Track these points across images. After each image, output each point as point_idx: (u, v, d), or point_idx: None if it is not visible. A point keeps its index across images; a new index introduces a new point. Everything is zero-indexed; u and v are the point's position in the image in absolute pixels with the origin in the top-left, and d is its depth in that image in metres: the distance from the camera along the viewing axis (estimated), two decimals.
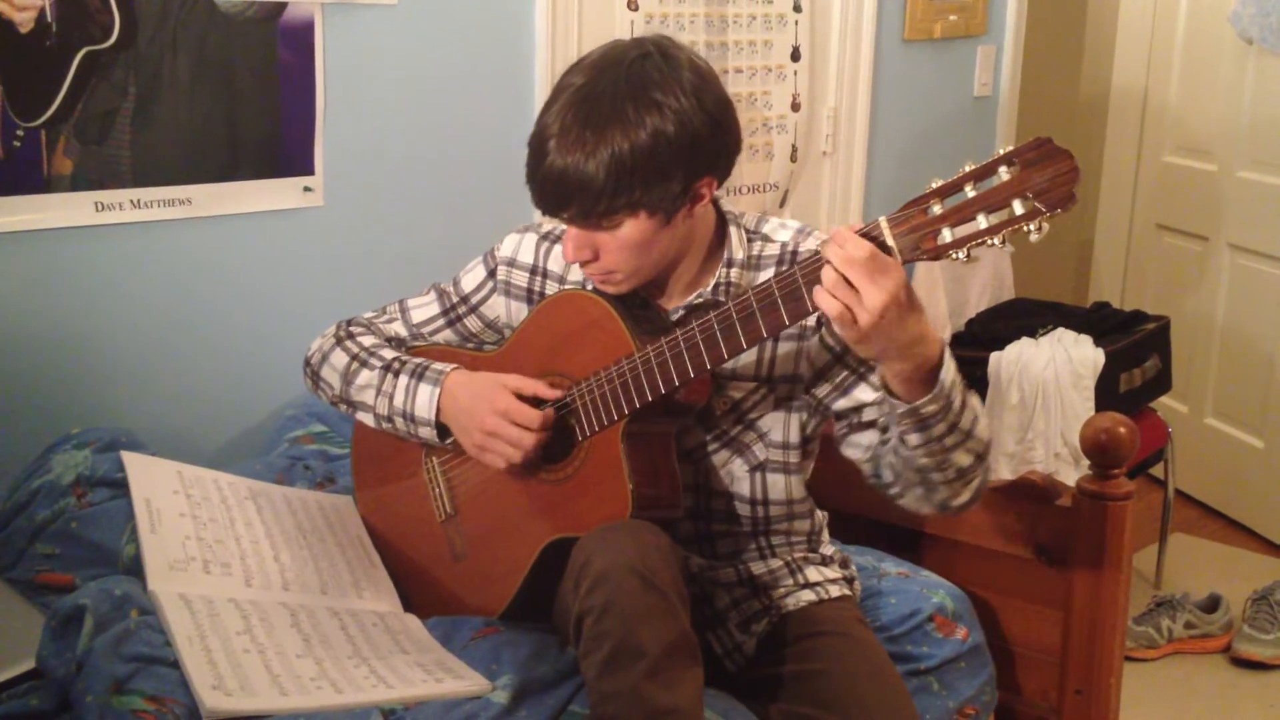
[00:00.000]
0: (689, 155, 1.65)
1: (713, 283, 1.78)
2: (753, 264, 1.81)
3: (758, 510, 1.88)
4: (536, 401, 1.80)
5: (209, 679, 1.62)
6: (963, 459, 1.66)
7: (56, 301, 2.28)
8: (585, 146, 1.61)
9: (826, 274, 1.49)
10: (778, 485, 1.86)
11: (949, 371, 1.58)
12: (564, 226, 1.93)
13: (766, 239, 1.83)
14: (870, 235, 1.51)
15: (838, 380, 1.79)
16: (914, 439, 1.63)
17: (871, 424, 1.77)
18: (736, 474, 1.85)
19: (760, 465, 1.85)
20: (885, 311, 1.47)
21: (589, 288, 1.84)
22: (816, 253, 1.55)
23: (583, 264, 1.75)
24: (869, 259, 1.47)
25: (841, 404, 1.80)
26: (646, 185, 1.63)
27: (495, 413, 1.79)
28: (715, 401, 1.81)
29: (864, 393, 1.77)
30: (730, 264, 1.79)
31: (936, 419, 1.60)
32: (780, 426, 1.84)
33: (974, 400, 1.66)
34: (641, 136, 1.61)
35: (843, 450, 1.84)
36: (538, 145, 1.66)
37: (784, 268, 1.74)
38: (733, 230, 1.81)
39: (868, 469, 1.80)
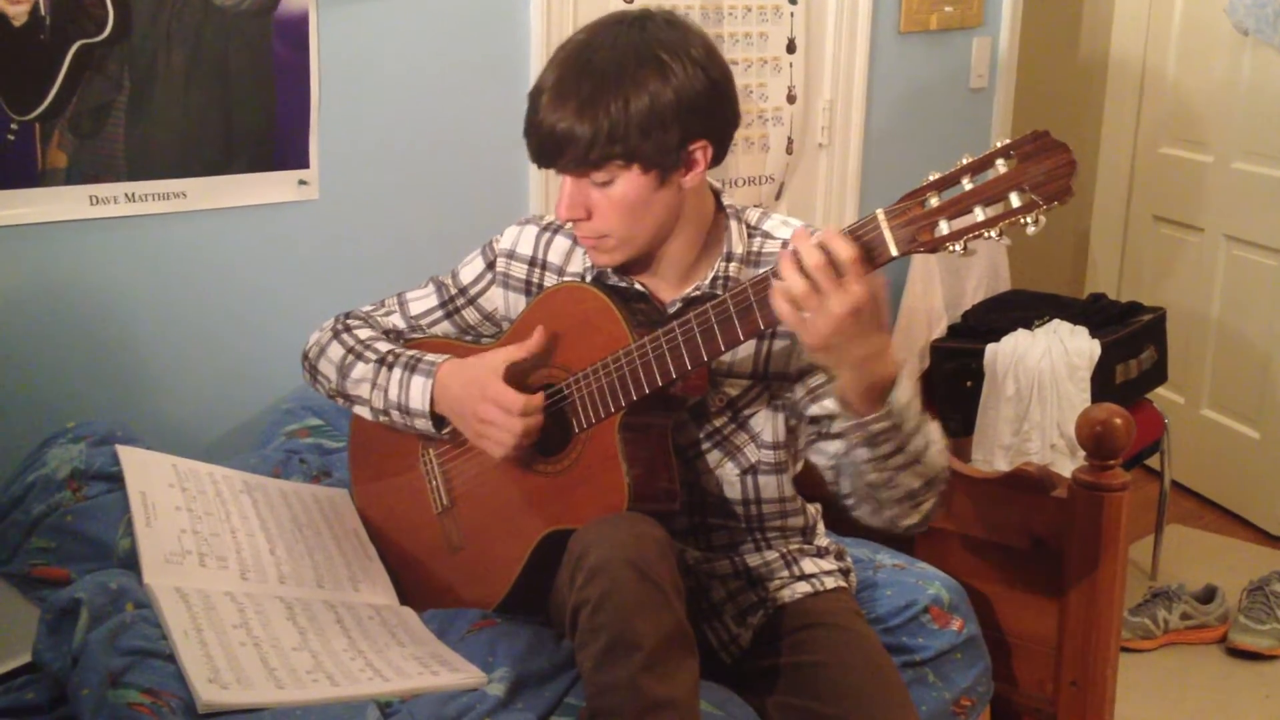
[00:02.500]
0: (685, 111, 1.66)
1: (710, 276, 1.78)
2: (752, 260, 1.81)
3: (750, 509, 1.88)
4: (530, 387, 1.80)
5: (205, 672, 1.62)
6: (910, 481, 1.67)
7: (51, 295, 2.28)
8: (579, 96, 1.64)
9: (793, 279, 1.50)
10: (769, 486, 1.86)
11: (902, 394, 1.60)
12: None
13: (768, 235, 1.82)
14: (866, 228, 1.51)
15: (813, 385, 1.79)
16: (861, 454, 1.65)
17: (840, 435, 1.77)
18: (727, 478, 1.86)
19: (751, 468, 1.85)
20: (843, 323, 1.49)
21: (588, 280, 1.84)
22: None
23: (575, 224, 1.75)
24: (838, 265, 1.48)
25: (814, 410, 1.80)
26: (642, 135, 1.64)
27: (485, 399, 1.79)
28: (711, 398, 1.81)
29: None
30: (729, 258, 1.79)
31: (884, 438, 1.61)
32: (770, 426, 1.84)
33: (931, 428, 1.68)
34: (640, 90, 1.63)
35: (809, 455, 1.86)
36: (534, 100, 1.69)
37: None
38: (733, 224, 1.80)
39: (829, 476, 1.82)
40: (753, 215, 1.85)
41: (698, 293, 1.79)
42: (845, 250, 1.48)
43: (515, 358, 1.80)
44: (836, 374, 1.60)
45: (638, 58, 1.64)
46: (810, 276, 1.49)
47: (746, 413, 1.83)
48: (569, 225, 1.81)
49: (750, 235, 1.82)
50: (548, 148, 1.69)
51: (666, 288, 1.83)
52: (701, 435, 1.84)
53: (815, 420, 1.81)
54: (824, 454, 1.82)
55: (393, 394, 1.90)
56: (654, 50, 1.65)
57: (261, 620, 1.78)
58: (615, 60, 1.64)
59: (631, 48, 1.65)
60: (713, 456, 1.85)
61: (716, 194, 1.83)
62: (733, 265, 1.79)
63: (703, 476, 1.86)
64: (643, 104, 1.63)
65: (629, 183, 1.68)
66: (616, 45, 1.66)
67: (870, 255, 1.51)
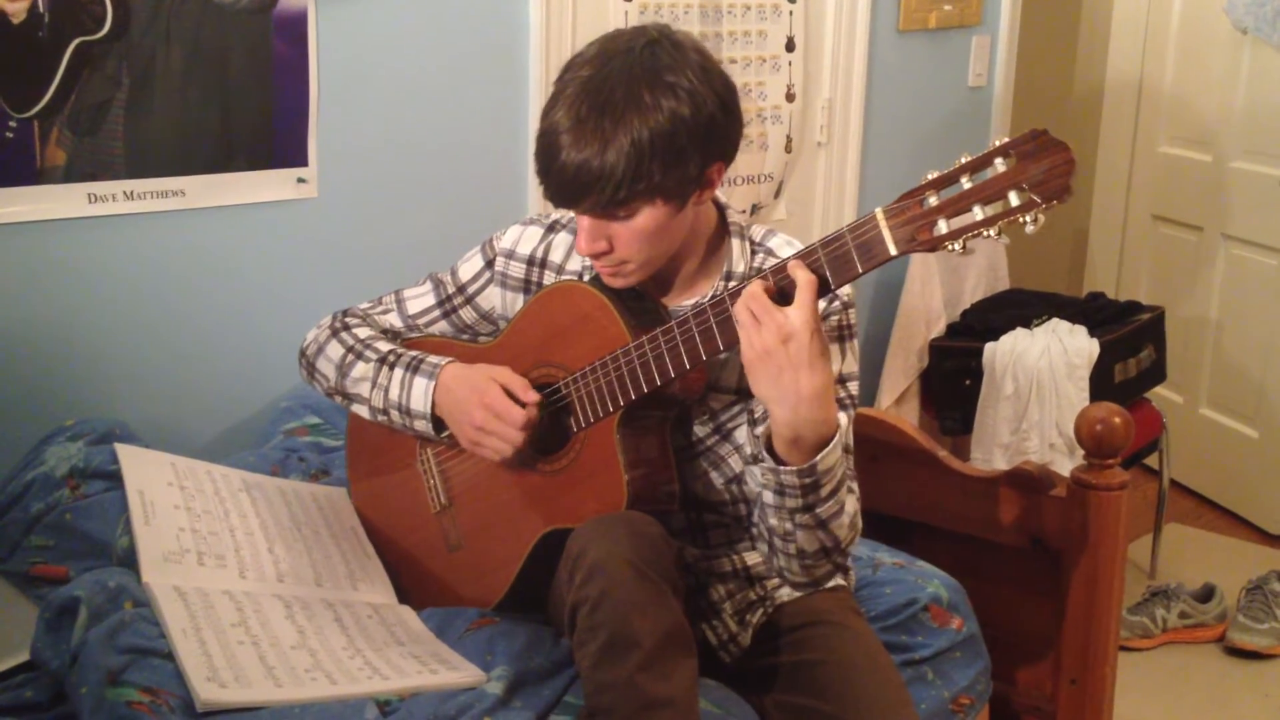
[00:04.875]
0: (704, 138, 1.64)
1: (710, 293, 1.77)
2: (751, 277, 1.79)
3: (742, 509, 1.87)
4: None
5: (203, 670, 1.62)
6: (808, 543, 1.65)
7: (50, 293, 2.28)
8: (603, 136, 1.59)
9: (739, 308, 1.55)
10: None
11: (828, 459, 1.58)
12: (569, 216, 1.92)
13: (770, 253, 1.81)
14: (865, 227, 1.51)
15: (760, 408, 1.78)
16: (768, 498, 1.63)
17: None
18: (715, 485, 1.85)
19: (735, 477, 1.84)
20: (772, 349, 1.52)
21: (586, 279, 1.84)
22: (814, 249, 1.56)
23: (595, 256, 1.72)
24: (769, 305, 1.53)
25: (759, 429, 1.79)
26: (665, 169, 1.61)
27: (483, 407, 1.78)
28: (695, 411, 1.81)
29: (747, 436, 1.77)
30: (729, 277, 1.78)
31: (794, 493, 1.60)
32: (751, 440, 1.83)
33: (849, 501, 1.66)
34: (660, 120, 1.59)
35: (744, 475, 1.84)
36: (549, 142, 1.62)
37: None
38: (736, 242, 1.79)
39: (750, 499, 1.82)
40: (757, 232, 1.84)
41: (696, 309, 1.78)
42: (800, 278, 1.53)
43: (514, 385, 1.79)
44: (771, 408, 1.58)
45: (651, 86, 1.60)
46: (748, 303, 1.53)
47: (730, 426, 1.83)
48: (573, 227, 1.81)
49: (754, 252, 1.81)
50: (572, 189, 1.63)
51: (666, 298, 1.82)
52: (687, 444, 1.84)
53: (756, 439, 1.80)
54: (754, 479, 1.74)
55: (394, 394, 1.89)
56: (664, 76, 1.61)
57: (260, 619, 1.78)
58: (630, 92, 1.59)
59: (643, 77, 1.60)
60: (698, 465, 1.85)
61: (721, 208, 1.82)
62: (732, 284, 1.78)
63: (691, 482, 1.85)
64: (664, 132, 1.59)
65: (651, 214, 1.66)
66: (628, 75, 1.60)
67: (870, 255, 1.51)
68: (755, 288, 1.55)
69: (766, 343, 1.52)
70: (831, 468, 1.59)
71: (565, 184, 1.63)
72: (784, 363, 1.52)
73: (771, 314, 1.52)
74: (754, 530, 1.78)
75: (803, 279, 1.54)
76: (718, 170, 1.70)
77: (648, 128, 1.59)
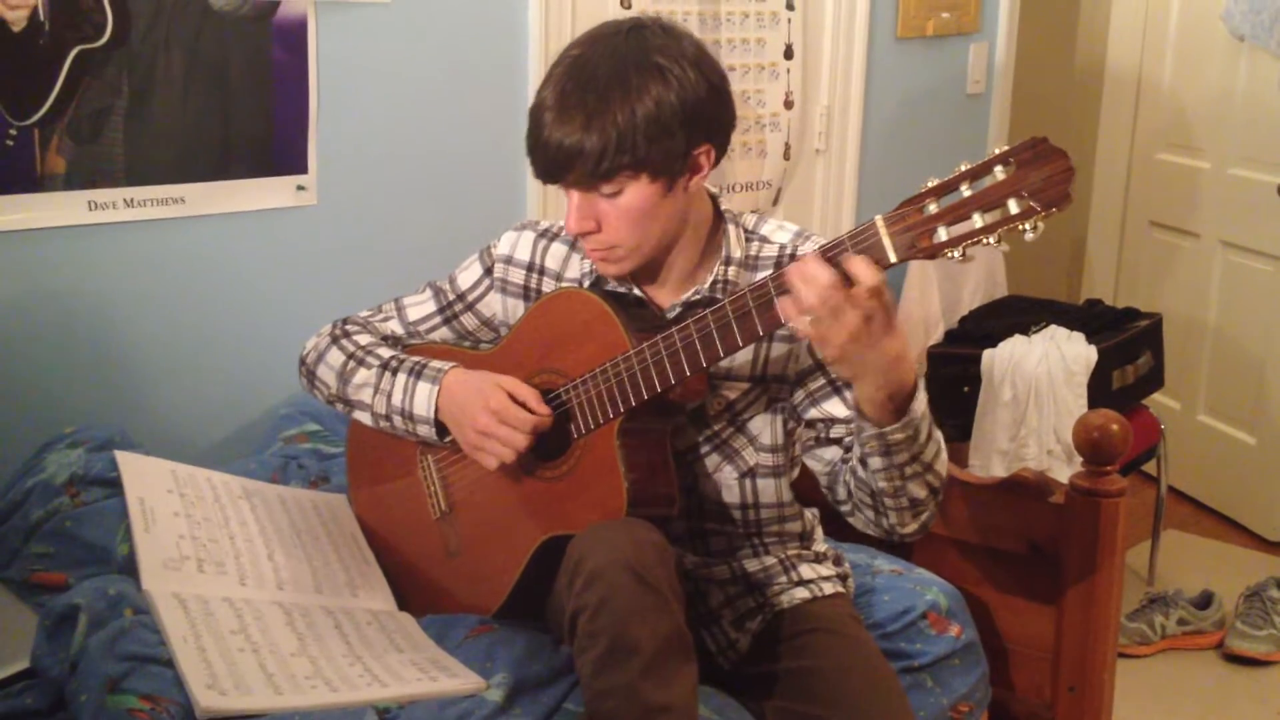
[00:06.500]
0: (690, 118, 1.66)
1: (709, 280, 1.79)
2: (749, 264, 1.81)
3: (749, 514, 1.88)
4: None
5: (203, 678, 1.62)
6: (918, 490, 1.69)
7: (50, 301, 2.28)
8: (586, 110, 1.63)
9: (803, 293, 1.52)
10: (768, 490, 1.87)
11: (920, 403, 1.61)
12: (562, 224, 1.93)
13: (765, 240, 1.83)
14: (865, 234, 1.51)
15: (813, 389, 1.80)
16: (876, 463, 1.66)
17: (837, 440, 1.79)
18: (726, 481, 1.86)
19: (750, 471, 1.85)
20: (858, 332, 1.51)
21: (586, 286, 1.84)
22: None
23: (584, 237, 1.74)
24: (839, 286, 1.50)
25: (812, 414, 1.81)
26: (650, 143, 1.64)
27: (488, 411, 1.79)
28: (709, 401, 1.82)
29: (836, 407, 1.79)
30: (728, 262, 1.79)
31: (901, 447, 1.63)
32: (769, 429, 1.84)
33: (939, 435, 1.69)
34: (644, 98, 1.63)
35: (805, 460, 1.87)
36: (536, 118, 1.68)
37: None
38: (730, 228, 1.81)
39: (824, 481, 1.84)
40: (749, 220, 1.86)
41: (697, 296, 1.79)
42: (856, 266, 1.50)
43: (519, 391, 1.79)
44: (857, 383, 1.61)
45: (638, 66, 1.64)
46: (821, 295, 1.50)
47: (745, 416, 1.84)
48: (579, 242, 1.82)
49: (748, 239, 1.83)
50: (555, 164, 1.67)
51: (666, 293, 1.83)
52: (700, 439, 1.85)
53: (813, 424, 1.81)
54: (820, 459, 1.82)
55: (396, 399, 1.90)
56: (652, 57, 1.65)
57: (260, 626, 1.78)
58: (616, 70, 1.64)
59: (630, 57, 1.65)
60: (711, 460, 1.85)
61: (714, 199, 1.84)
62: (731, 269, 1.79)
63: (701, 480, 1.86)
64: (648, 111, 1.63)
65: (637, 192, 1.68)
66: (615, 55, 1.65)
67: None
68: (824, 277, 1.50)
69: (850, 329, 1.50)
70: (924, 411, 1.63)
71: (550, 158, 1.67)
72: (867, 341, 1.52)
73: (849, 300, 1.49)
74: (844, 508, 1.80)
75: (856, 263, 1.50)
76: (706, 154, 1.71)
77: (630, 104, 1.63)
